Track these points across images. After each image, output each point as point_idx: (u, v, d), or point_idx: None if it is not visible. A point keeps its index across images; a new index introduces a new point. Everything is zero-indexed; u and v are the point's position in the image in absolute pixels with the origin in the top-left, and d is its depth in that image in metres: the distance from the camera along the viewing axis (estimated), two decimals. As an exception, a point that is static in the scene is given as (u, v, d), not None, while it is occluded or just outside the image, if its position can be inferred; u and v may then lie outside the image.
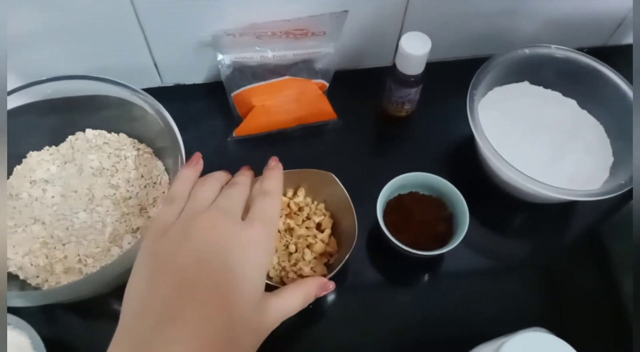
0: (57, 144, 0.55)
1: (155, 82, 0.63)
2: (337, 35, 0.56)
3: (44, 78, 0.50)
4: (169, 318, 0.31)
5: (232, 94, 0.58)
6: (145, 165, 0.53)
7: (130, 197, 0.51)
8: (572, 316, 0.50)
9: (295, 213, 0.51)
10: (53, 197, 0.51)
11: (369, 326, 0.49)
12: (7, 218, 0.49)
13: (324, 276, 0.47)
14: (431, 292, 0.51)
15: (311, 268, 0.48)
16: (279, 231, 0.49)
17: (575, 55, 0.55)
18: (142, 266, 0.34)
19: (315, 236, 0.50)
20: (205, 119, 0.61)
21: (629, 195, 0.47)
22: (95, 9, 0.51)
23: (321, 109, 0.59)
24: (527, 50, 0.55)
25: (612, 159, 0.54)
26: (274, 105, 0.57)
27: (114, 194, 0.51)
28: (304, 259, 0.48)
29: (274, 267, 0.48)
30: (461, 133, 0.59)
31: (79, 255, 0.47)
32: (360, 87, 0.62)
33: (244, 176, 0.42)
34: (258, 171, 0.50)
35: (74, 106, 0.52)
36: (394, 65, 0.54)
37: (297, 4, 0.53)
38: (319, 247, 0.49)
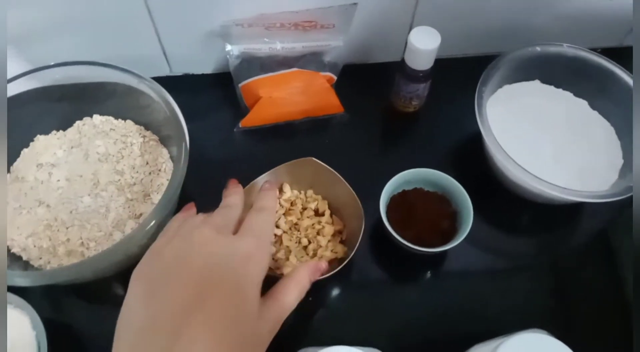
0: (65, 129, 0.55)
1: (165, 71, 0.63)
2: (346, 29, 0.56)
3: (52, 63, 0.50)
4: (180, 336, 0.30)
5: (240, 85, 0.58)
6: (150, 153, 0.53)
7: (134, 184, 0.51)
8: (576, 317, 0.49)
9: (289, 209, 0.51)
10: (58, 180, 0.51)
11: (372, 322, 0.48)
12: (11, 200, 0.50)
13: (344, 254, 0.48)
14: (435, 289, 0.51)
15: (331, 251, 0.48)
16: (285, 232, 0.50)
17: (588, 54, 0.55)
18: (136, 292, 0.34)
19: (319, 222, 0.50)
20: (213, 109, 0.61)
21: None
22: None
23: (328, 102, 0.58)
24: (538, 48, 0.55)
25: (622, 161, 0.53)
26: (281, 97, 0.57)
27: (119, 180, 0.51)
28: (321, 246, 0.48)
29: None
30: (469, 130, 0.58)
31: (81, 238, 0.47)
32: (368, 81, 0.62)
33: (234, 196, 0.42)
34: (263, 163, 0.50)
35: (83, 93, 0.53)
36: (403, 60, 0.53)
37: (307, -5, 0.53)
38: (328, 229, 0.49)
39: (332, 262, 0.48)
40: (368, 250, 0.52)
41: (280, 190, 0.52)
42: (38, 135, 0.54)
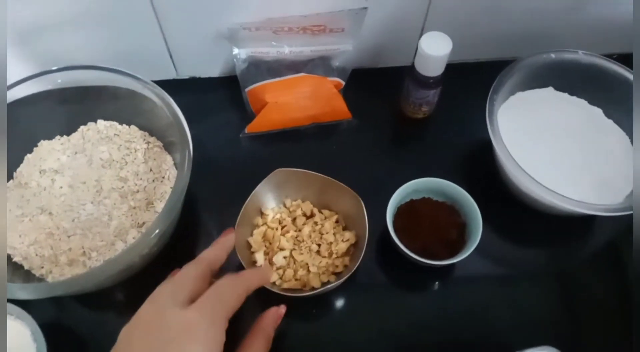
0: (69, 134, 0.54)
1: (171, 75, 0.62)
2: (356, 33, 0.55)
3: (54, 68, 0.50)
4: None
5: (246, 90, 0.57)
6: (154, 159, 0.52)
7: (137, 191, 0.50)
8: (585, 329, 0.48)
9: (283, 226, 0.50)
10: (61, 187, 0.50)
11: (377, 331, 0.48)
12: (14, 207, 0.49)
13: (356, 238, 0.48)
14: (441, 299, 0.50)
15: (343, 241, 0.48)
16: (293, 249, 0.48)
17: (604, 61, 0.53)
18: None
19: (315, 223, 0.50)
20: (219, 114, 0.60)
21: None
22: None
23: (336, 107, 0.57)
24: (552, 55, 0.53)
25: (636, 171, 0.52)
26: (287, 103, 0.56)
27: (122, 187, 0.50)
28: (331, 242, 0.48)
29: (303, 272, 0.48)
30: (480, 138, 0.57)
31: (83, 247, 0.47)
32: (377, 86, 0.61)
33: (213, 248, 0.41)
34: (269, 169, 0.49)
35: (86, 96, 0.52)
36: (413, 65, 0.52)
37: (316, -1, 0.52)
38: (327, 224, 0.49)
39: (349, 251, 0.49)
40: (374, 259, 0.51)
41: (262, 214, 0.51)
42: (42, 141, 0.54)
